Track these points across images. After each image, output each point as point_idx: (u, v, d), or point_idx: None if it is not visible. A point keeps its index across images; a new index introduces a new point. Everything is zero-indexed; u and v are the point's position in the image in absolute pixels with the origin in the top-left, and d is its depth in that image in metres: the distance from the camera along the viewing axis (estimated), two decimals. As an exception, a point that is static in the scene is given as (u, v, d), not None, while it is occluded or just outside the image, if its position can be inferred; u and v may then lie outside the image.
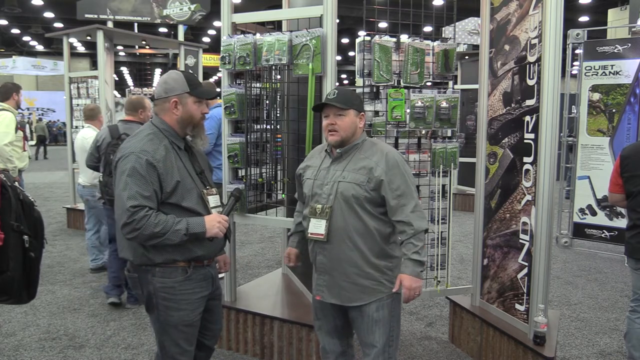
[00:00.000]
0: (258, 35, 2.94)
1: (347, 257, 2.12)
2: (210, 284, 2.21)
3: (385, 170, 2.08)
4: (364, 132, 2.23)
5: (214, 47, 19.96)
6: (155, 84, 25.94)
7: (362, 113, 2.19)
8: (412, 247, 2.05)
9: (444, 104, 2.94)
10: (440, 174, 3.05)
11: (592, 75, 5.88)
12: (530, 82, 2.78)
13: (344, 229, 2.11)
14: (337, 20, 2.75)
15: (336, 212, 2.11)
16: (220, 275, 2.47)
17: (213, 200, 2.13)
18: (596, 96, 5.88)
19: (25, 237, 1.94)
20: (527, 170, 2.84)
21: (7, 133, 4.89)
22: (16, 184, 2.00)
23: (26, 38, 23.98)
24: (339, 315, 2.27)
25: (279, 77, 3.39)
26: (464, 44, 10.64)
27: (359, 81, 2.95)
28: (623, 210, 5.69)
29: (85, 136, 4.82)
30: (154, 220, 1.91)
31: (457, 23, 9.81)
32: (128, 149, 2.00)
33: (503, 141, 3.05)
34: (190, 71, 7.56)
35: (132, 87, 8.02)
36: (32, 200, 2.05)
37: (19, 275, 1.95)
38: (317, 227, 2.15)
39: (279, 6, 3.83)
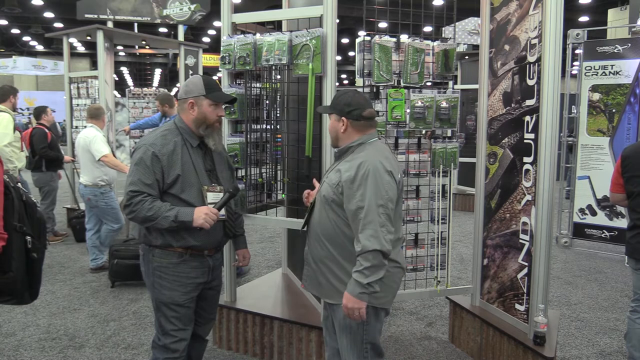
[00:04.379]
0: (258, 35, 2.93)
1: (319, 255, 2.15)
2: (207, 273, 2.36)
3: (350, 178, 2.00)
4: (364, 135, 2.13)
5: (214, 47, 19.97)
6: (155, 83, 25.92)
7: (343, 118, 2.11)
8: (358, 265, 1.95)
9: (444, 104, 2.94)
10: (440, 174, 3.05)
11: (592, 75, 5.88)
12: (530, 82, 2.78)
13: (316, 226, 2.16)
14: (337, 20, 2.75)
15: (315, 209, 2.17)
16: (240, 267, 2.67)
17: (212, 196, 2.26)
18: (596, 96, 5.88)
19: (28, 237, 1.94)
20: (527, 170, 2.84)
21: (6, 134, 4.91)
22: (19, 185, 1.99)
23: (26, 38, 23.96)
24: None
25: (279, 77, 3.39)
26: (464, 44, 10.65)
27: (359, 81, 2.94)
28: (623, 210, 5.69)
29: (88, 135, 4.77)
30: (148, 205, 2.13)
31: (457, 23, 9.81)
32: (143, 141, 2.24)
33: (503, 141, 3.05)
34: (191, 71, 7.56)
35: (132, 87, 8.00)
36: (35, 201, 2.05)
37: (22, 276, 1.95)
38: (304, 219, 2.26)
39: (279, 6, 3.83)
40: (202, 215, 2.15)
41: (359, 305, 1.96)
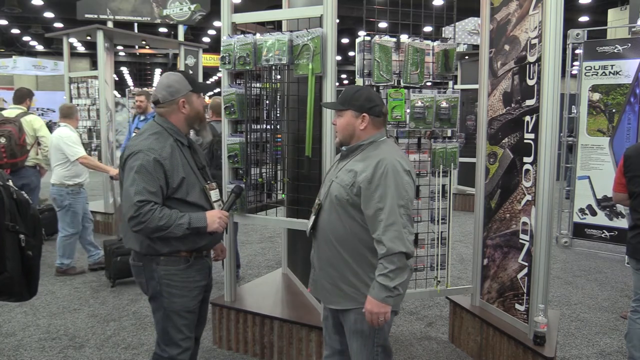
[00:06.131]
0: (258, 35, 2.93)
1: (328, 257, 2.08)
2: (208, 274, 2.35)
3: (368, 179, 1.94)
4: (378, 133, 2.09)
5: (214, 47, 19.94)
6: (155, 83, 25.80)
7: (364, 114, 2.05)
8: (381, 268, 1.90)
9: (444, 104, 2.94)
10: (440, 174, 3.05)
11: (592, 75, 5.88)
12: (530, 82, 2.78)
13: (326, 228, 2.08)
14: (337, 20, 2.75)
15: (324, 210, 2.10)
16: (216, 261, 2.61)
17: (214, 194, 2.25)
18: (596, 96, 5.88)
19: (22, 236, 1.92)
20: (527, 170, 2.84)
21: (47, 134, 5.02)
22: (9, 182, 1.97)
23: (26, 38, 23.93)
24: (336, 314, 2.23)
25: (279, 77, 3.39)
26: (464, 44, 10.65)
27: (359, 81, 2.94)
28: (623, 210, 5.69)
29: (62, 135, 4.58)
30: (158, 215, 2.02)
31: (457, 23, 9.81)
32: (136, 147, 2.10)
33: (503, 141, 3.05)
34: (191, 71, 7.57)
35: (132, 87, 8.01)
36: (27, 198, 2.02)
37: (18, 275, 1.93)
38: (310, 221, 2.18)
39: (279, 6, 3.83)
40: (217, 220, 2.13)
41: (385, 309, 1.91)
